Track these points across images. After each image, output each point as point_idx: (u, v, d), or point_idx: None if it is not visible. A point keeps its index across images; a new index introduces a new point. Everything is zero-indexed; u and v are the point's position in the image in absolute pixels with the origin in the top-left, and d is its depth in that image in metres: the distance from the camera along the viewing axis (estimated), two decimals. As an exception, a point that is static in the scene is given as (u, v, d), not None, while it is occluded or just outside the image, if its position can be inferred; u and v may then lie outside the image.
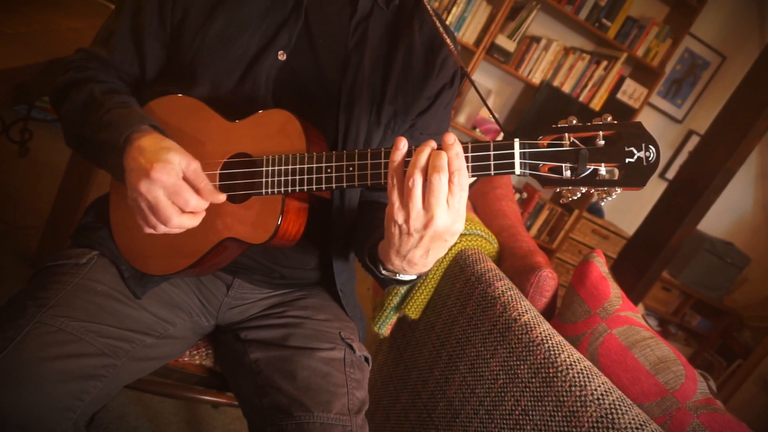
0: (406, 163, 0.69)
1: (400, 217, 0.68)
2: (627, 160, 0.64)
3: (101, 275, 0.88)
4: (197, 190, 0.78)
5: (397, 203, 0.68)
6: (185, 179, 0.77)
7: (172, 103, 0.88)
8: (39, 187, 2.27)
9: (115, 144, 0.78)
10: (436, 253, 0.71)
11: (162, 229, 0.78)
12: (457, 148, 0.66)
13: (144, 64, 0.92)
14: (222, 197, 0.80)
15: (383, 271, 0.81)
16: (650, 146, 0.64)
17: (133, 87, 0.93)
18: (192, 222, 0.78)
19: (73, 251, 0.91)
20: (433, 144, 0.67)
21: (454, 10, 3.25)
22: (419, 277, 0.80)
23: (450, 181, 0.65)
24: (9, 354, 0.71)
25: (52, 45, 1.22)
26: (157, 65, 0.93)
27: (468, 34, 3.33)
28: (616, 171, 0.65)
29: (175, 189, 0.75)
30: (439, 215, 0.65)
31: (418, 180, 0.66)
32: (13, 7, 1.29)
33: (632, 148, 0.64)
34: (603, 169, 0.65)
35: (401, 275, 0.79)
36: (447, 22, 3.25)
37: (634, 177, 0.64)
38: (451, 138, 0.66)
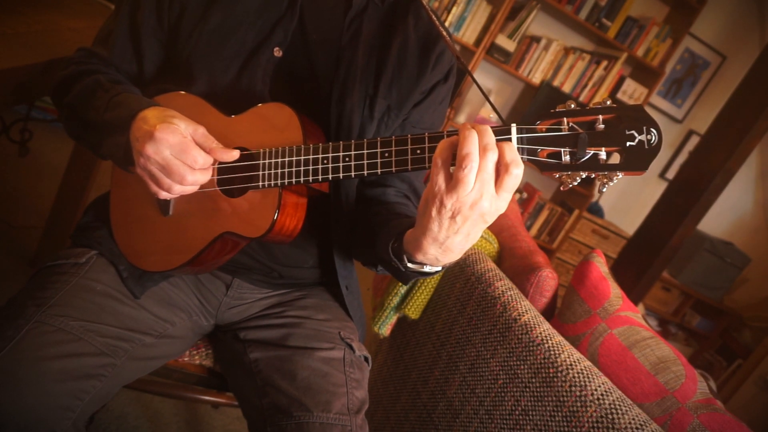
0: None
1: (449, 202, 0.63)
2: (628, 143, 0.62)
3: (100, 275, 0.88)
4: (210, 151, 0.79)
5: (443, 186, 0.63)
6: (197, 144, 0.77)
7: (172, 100, 0.88)
8: (39, 187, 2.27)
9: (123, 122, 0.78)
10: (474, 237, 0.68)
11: (177, 189, 0.78)
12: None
13: (142, 62, 0.92)
14: (235, 154, 0.80)
15: (409, 264, 0.76)
16: (651, 129, 0.62)
17: (133, 85, 0.93)
18: (205, 177, 0.79)
19: (73, 251, 0.91)
20: (468, 126, 0.64)
21: (454, 10, 3.25)
22: (444, 267, 0.76)
23: (503, 153, 0.62)
24: (8, 353, 0.71)
25: (52, 45, 1.22)
26: (156, 63, 0.93)
27: (468, 34, 3.32)
28: (617, 155, 0.63)
29: (182, 147, 0.75)
30: (486, 196, 0.62)
31: (474, 165, 0.61)
32: (13, 8, 1.29)
33: (633, 131, 0.62)
34: (603, 153, 0.63)
35: (428, 267, 0.75)
36: (447, 23, 3.25)
37: (636, 161, 0.62)
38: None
